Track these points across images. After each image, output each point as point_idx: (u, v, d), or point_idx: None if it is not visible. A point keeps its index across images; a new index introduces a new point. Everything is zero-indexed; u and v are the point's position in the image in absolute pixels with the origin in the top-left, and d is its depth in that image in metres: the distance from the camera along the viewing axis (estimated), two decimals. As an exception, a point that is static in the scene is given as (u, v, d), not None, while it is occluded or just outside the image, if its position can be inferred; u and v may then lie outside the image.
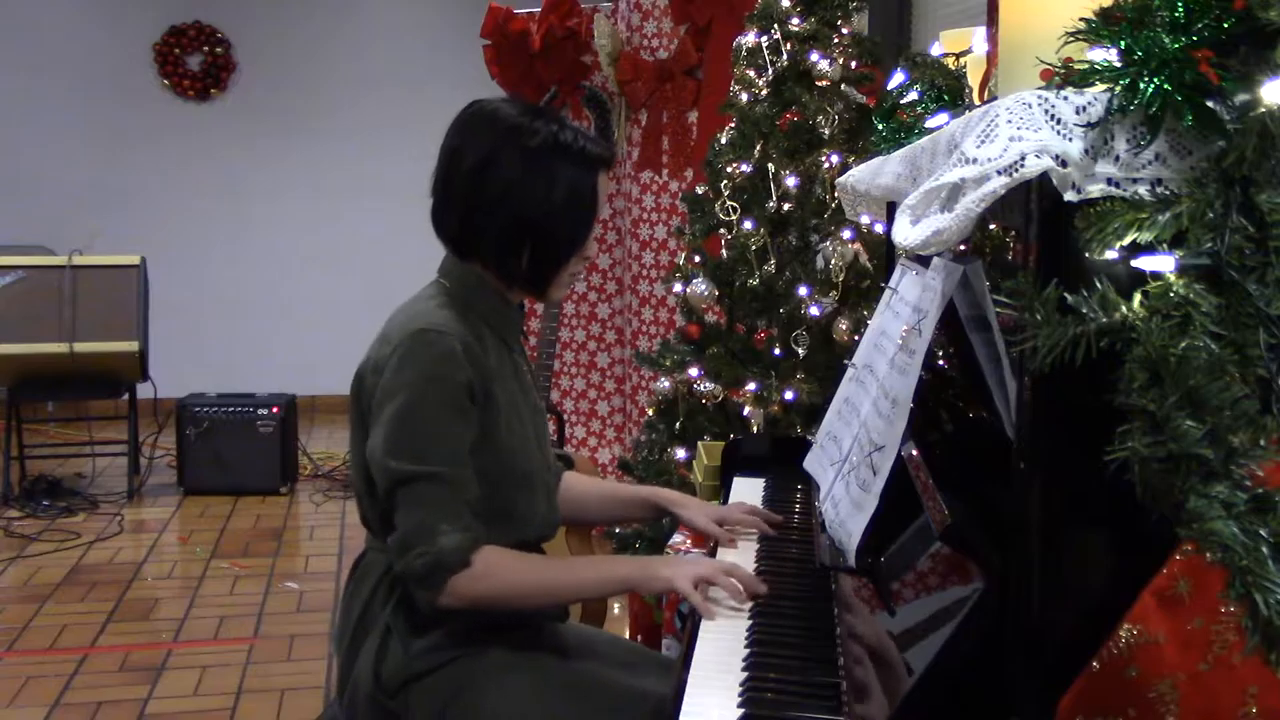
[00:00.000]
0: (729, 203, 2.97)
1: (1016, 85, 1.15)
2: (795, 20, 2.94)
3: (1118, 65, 0.94)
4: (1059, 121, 0.95)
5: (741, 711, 1.19)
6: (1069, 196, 0.95)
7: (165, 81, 6.63)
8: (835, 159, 2.82)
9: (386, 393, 1.55)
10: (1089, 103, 0.96)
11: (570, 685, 1.56)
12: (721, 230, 3.02)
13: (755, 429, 2.81)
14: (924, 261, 1.45)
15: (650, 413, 3.22)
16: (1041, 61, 1.01)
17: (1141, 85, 0.92)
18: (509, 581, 1.53)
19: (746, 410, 2.85)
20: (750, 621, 1.42)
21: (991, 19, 1.50)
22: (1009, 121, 0.96)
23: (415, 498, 1.50)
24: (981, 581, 1.08)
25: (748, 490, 1.98)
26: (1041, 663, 0.98)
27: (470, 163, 1.58)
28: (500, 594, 1.53)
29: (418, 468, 1.50)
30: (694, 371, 2.99)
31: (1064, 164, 0.94)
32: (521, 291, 1.67)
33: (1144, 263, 0.91)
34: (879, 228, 2.35)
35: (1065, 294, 0.90)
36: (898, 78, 1.77)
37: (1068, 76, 0.98)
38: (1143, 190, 0.95)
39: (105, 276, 4.87)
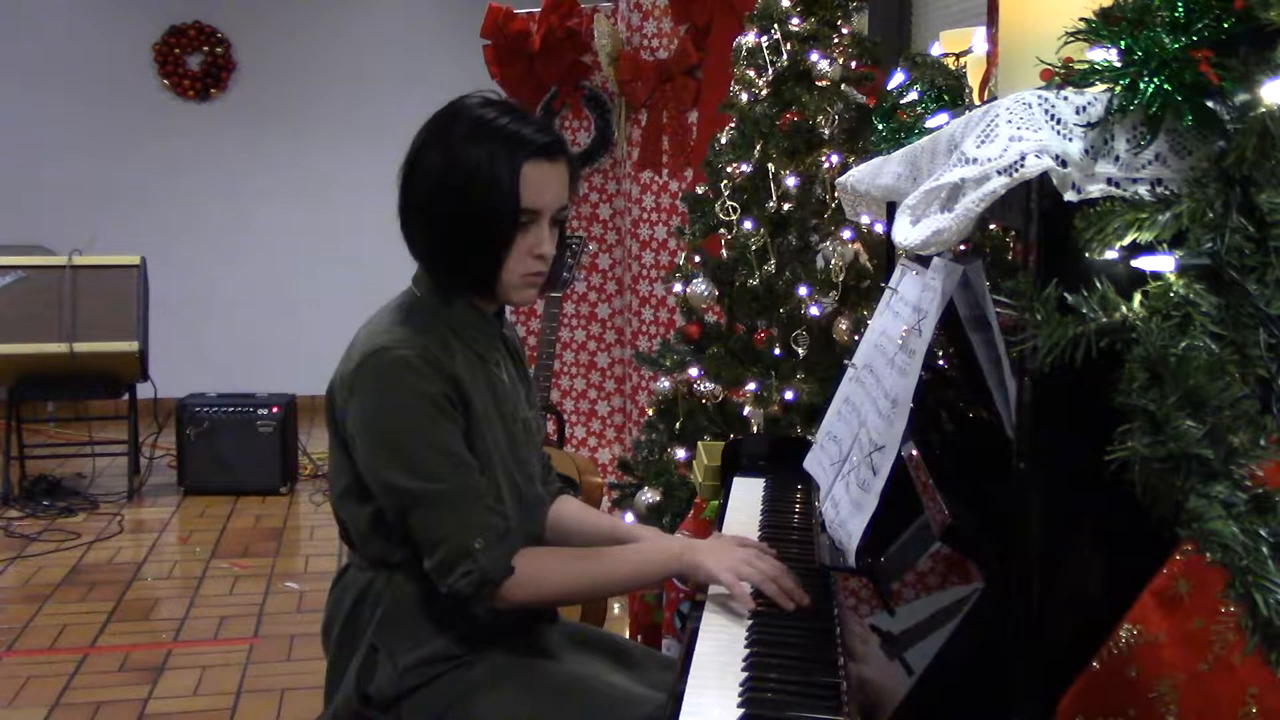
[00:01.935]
0: (729, 203, 2.97)
1: (1016, 85, 1.15)
2: (795, 20, 2.94)
3: (1118, 65, 0.94)
4: (1059, 121, 0.95)
5: (741, 711, 1.19)
6: (1069, 196, 0.95)
7: (165, 81, 6.63)
8: (835, 159, 2.82)
9: (367, 417, 1.51)
10: (1089, 103, 0.96)
11: (565, 689, 1.55)
12: (721, 230, 3.02)
13: (755, 429, 2.80)
14: (924, 261, 1.45)
15: (650, 413, 3.22)
16: (1041, 61, 1.01)
17: (1141, 85, 0.92)
18: (554, 583, 1.54)
19: (746, 410, 2.84)
20: (750, 621, 1.42)
21: (991, 19, 1.50)
22: (1009, 121, 0.96)
23: (433, 518, 1.48)
24: (981, 581, 1.08)
25: (748, 490, 1.98)
26: (1041, 663, 0.98)
27: (405, 165, 1.56)
28: (546, 596, 1.56)
29: (425, 485, 1.47)
30: (694, 371, 2.99)
31: (1064, 164, 0.94)
32: (475, 295, 1.59)
33: (1144, 263, 0.91)
34: (879, 228, 2.35)
35: (1065, 294, 0.90)
36: (898, 78, 1.77)
37: (1068, 76, 0.97)
38: (1143, 190, 0.94)
39: (105, 276, 4.87)
